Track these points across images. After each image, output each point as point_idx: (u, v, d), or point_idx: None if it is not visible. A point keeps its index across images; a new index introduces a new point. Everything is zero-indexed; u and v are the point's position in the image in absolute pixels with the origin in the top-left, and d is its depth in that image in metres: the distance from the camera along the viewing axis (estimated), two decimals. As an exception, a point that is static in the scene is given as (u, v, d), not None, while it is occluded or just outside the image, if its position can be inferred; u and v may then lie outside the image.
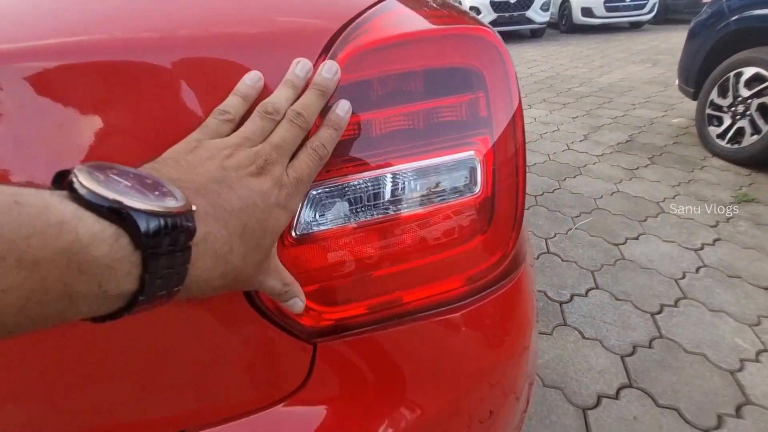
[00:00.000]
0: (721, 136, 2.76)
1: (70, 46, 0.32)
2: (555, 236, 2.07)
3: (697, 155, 2.86)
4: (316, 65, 0.35)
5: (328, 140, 0.34)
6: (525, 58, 6.66)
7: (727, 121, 2.73)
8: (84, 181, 0.21)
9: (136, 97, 0.32)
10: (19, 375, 0.35)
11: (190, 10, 0.36)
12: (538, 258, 1.92)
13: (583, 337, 1.49)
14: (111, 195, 0.21)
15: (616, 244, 1.98)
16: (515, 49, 7.44)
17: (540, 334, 1.52)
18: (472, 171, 0.39)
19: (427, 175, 0.39)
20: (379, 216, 0.38)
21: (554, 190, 2.52)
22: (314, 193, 0.37)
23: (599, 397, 1.27)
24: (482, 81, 0.38)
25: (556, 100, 4.33)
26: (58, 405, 0.36)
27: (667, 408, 1.23)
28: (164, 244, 0.22)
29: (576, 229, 2.12)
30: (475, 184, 0.40)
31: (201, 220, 0.25)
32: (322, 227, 0.37)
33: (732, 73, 2.67)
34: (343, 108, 0.35)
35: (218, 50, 0.34)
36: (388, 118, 0.37)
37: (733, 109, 2.68)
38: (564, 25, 9.00)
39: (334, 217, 0.37)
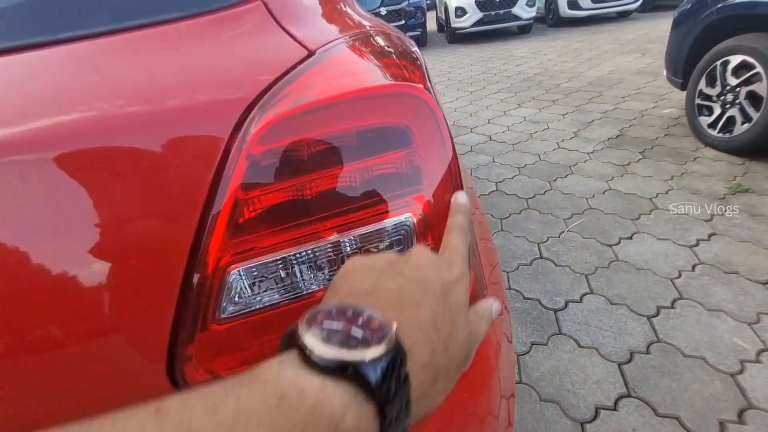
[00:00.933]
0: (712, 125, 2.74)
1: None
2: (548, 240, 2.05)
3: (689, 146, 2.84)
4: (231, 138, 0.33)
5: (464, 226, 0.35)
6: (513, 55, 6.65)
7: (717, 111, 2.70)
8: (311, 343, 0.21)
9: (50, 189, 0.30)
10: None
11: (94, 93, 0.35)
12: (531, 264, 1.90)
13: (579, 346, 1.46)
14: (335, 354, 0.21)
15: (610, 245, 1.95)
16: (503, 47, 7.44)
17: (535, 344, 1.49)
18: (410, 232, 0.37)
19: (363, 242, 0.37)
20: (314, 289, 0.37)
21: (545, 191, 2.50)
22: (241, 270, 0.35)
23: (597, 410, 1.24)
24: (411, 138, 0.37)
25: (545, 97, 4.31)
26: None
27: (667, 417, 1.20)
28: (392, 386, 0.21)
29: (568, 231, 2.10)
30: (413, 245, 0.38)
31: (401, 333, 0.24)
32: (252, 306, 0.35)
33: (719, 62, 2.65)
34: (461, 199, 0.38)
35: (127, 135, 0.32)
36: (313, 184, 0.35)
37: (722, 98, 2.66)
38: (551, 19, 8.99)
39: (265, 294, 0.35)
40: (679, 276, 1.72)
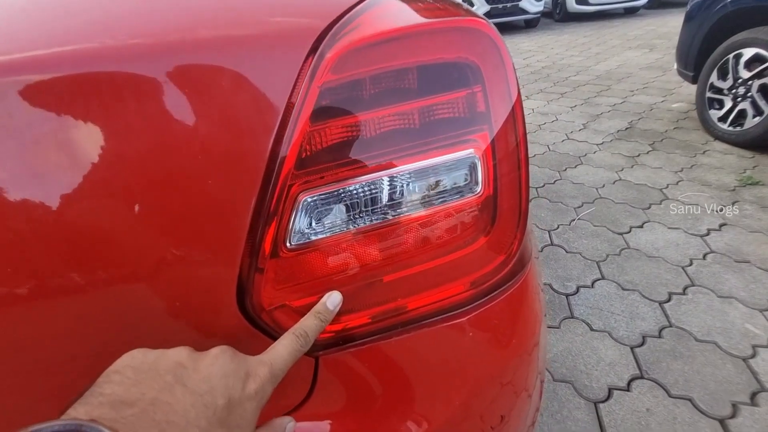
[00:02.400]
0: (723, 119, 2.73)
1: (57, 57, 0.30)
2: (558, 228, 2.05)
3: (699, 140, 2.83)
4: (304, 67, 0.33)
5: (311, 329, 0.34)
6: (520, 48, 6.62)
7: (728, 104, 2.69)
8: None
9: (121, 109, 0.30)
10: None
11: (170, 16, 0.34)
12: (542, 250, 1.90)
13: (591, 329, 1.47)
14: None
15: (621, 233, 1.96)
16: (510, 40, 7.39)
17: (547, 327, 1.50)
18: (473, 169, 0.38)
19: (426, 176, 0.37)
20: (378, 221, 0.37)
21: (555, 181, 2.50)
22: (310, 199, 0.35)
23: (610, 390, 1.25)
24: (479, 75, 0.37)
25: (554, 90, 4.29)
26: None
27: (680, 398, 1.21)
28: None
29: (579, 219, 2.10)
30: (477, 183, 0.38)
31: None
32: (318, 236, 0.35)
33: (731, 55, 2.64)
34: (333, 301, 0.35)
35: (203, 56, 0.32)
36: (382, 118, 0.36)
37: (733, 91, 2.65)
38: (558, 14, 8.93)
39: (331, 224, 0.36)
40: (691, 264, 1.73)
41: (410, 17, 0.38)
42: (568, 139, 3.07)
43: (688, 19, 2.97)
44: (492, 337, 0.46)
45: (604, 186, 2.38)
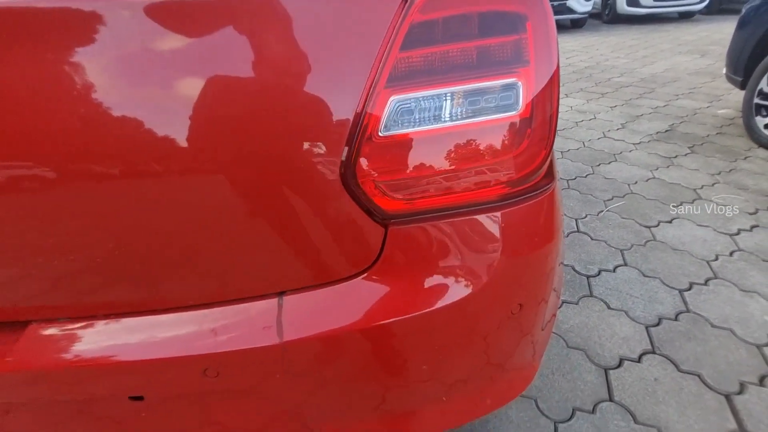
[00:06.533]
0: (769, 126, 2.68)
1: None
2: (586, 217, 2.11)
3: (742, 146, 2.79)
4: (399, 8, 0.46)
5: None
6: (564, 48, 6.53)
7: (775, 111, 2.65)
8: None
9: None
10: None
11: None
12: (567, 236, 1.97)
13: (609, 308, 1.55)
14: None
15: (648, 227, 2.00)
16: (554, 40, 7.29)
17: (565, 302, 1.59)
18: (516, 93, 0.50)
19: (482, 94, 0.49)
20: (444, 125, 0.50)
21: (587, 175, 2.54)
22: (397, 103, 0.48)
23: (621, 360, 1.34)
24: (526, 22, 0.49)
25: (595, 89, 4.27)
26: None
27: (688, 373, 1.28)
28: None
29: (607, 211, 2.15)
30: (517, 103, 0.50)
31: None
32: (401, 130, 0.49)
33: (784, 61, 2.58)
34: None
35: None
36: (451, 52, 0.48)
37: (783, 98, 2.60)
38: (607, 15, 8.71)
39: (410, 123, 0.49)
40: (716, 259, 1.76)
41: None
42: (605, 137, 3.09)
43: (742, 24, 2.92)
44: (522, 231, 0.58)
45: (636, 182, 2.41)
